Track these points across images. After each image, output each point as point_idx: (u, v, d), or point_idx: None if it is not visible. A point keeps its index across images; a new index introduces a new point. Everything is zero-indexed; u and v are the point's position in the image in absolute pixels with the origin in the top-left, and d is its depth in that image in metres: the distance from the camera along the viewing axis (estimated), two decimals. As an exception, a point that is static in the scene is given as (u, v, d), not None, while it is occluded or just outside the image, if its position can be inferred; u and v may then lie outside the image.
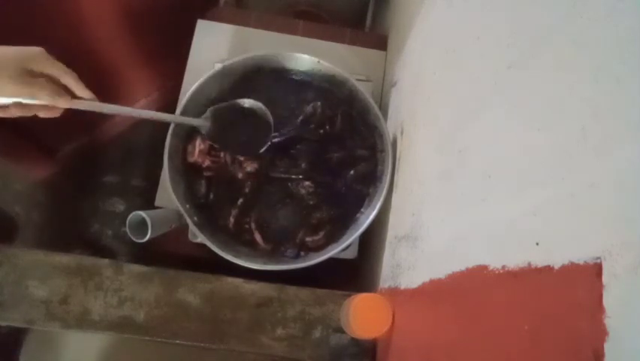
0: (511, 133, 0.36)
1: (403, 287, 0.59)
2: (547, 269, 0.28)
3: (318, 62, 0.79)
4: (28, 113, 0.54)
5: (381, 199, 0.71)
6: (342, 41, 0.96)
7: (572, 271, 0.26)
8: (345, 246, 0.72)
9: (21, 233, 1.17)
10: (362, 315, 0.61)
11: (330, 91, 0.81)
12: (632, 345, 0.21)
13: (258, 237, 0.74)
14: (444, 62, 0.56)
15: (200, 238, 0.69)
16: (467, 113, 0.46)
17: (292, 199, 0.76)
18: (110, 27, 1.02)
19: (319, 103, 0.80)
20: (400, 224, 0.65)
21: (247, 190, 0.76)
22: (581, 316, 0.24)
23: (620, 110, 0.24)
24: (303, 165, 0.77)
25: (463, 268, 0.41)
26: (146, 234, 0.62)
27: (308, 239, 0.75)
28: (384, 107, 0.88)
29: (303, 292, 0.70)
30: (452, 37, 0.54)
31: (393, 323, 0.60)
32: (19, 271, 0.67)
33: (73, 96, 0.55)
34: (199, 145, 0.76)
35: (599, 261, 0.24)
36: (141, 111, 0.66)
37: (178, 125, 0.74)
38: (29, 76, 0.50)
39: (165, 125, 0.74)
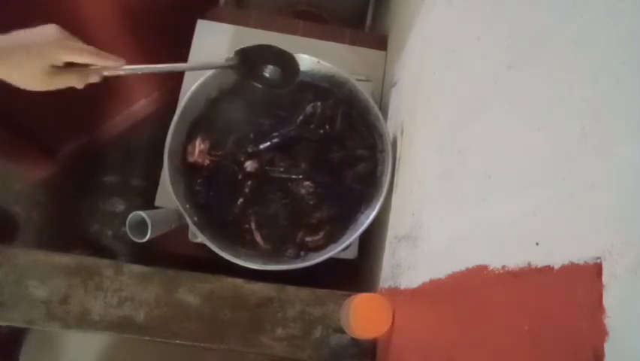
0: (511, 133, 0.36)
1: (403, 287, 0.59)
2: (547, 269, 0.28)
3: (318, 62, 0.79)
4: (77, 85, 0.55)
5: (381, 199, 0.71)
6: (342, 41, 0.96)
7: (572, 271, 0.26)
8: (345, 246, 0.72)
9: (21, 233, 1.17)
10: (362, 315, 0.61)
11: (330, 91, 0.81)
12: (632, 345, 0.21)
13: (258, 237, 0.74)
14: (444, 62, 0.56)
15: (200, 238, 0.69)
16: (467, 113, 0.46)
17: (292, 199, 0.77)
18: (110, 27, 1.02)
19: (319, 103, 0.80)
20: (400, 224, 0.65)
21: (247, 190, 0.76)
22: (581, 316, 0.24)
23: (620, 110, 0.24)
24: (303, 165, 0.77)
25: (463, 268, 0.41)
26: (146, 234, 0.62)
27: (308, 239, 0.75)
28: (384, 107, 0.88)
29: (303, 292, 0.70)
30: (452, 37, 0.54)
31: (393, 323, 0.60)
32: (19, 271, 0.67)
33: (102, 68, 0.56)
34: (199, 145, 0.76)
35: (599, 261, 0.24)
36: (173, 65, 0.65)
37: (178, 125, 0.74)
38: (55, 69, 0.51)
39: (165, 125, 0.74)
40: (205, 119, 0.78)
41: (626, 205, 0.23)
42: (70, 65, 0.53)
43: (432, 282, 0.49)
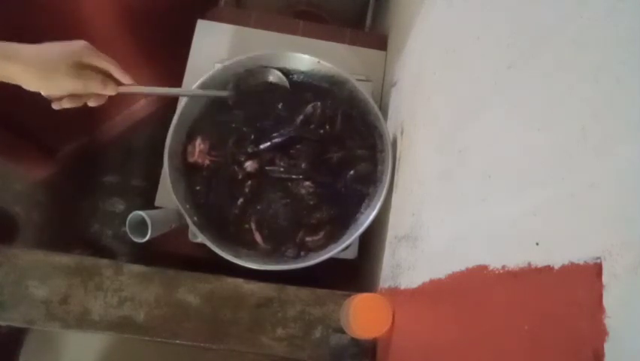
0: (511, 133, 0.36)
1: (403, 287, 0.59)
2: (547, 269, 0.28)
3: (318, 62, 0.79)
4: (79, 103, 0.57)
5: (381, 199, 0.71)
6: (342, 41, 0.96)
7: (572, 271, 0.26)
8: (345, 246, 0.72)
9: (21, 233, 1.17)
10: (362, 315, 0.61)
11: (330, 91, 0.81)
12: (632, 345, 0.21)
13: (258, 237, 0.74)
14: (444, 62, 0.56)
15: (200, 238, 0.69)
16: (467, 113, 0.46)
17: (292, 199, 0.76)
18: (110, 27, 1.02)
19: (319, 103, 0.80)
20: (400, 224, 0.65)
21: (247, 190, 0.76)
22: (581, 316, 0.24)
23: (620, 110, 0.24)
24: (303, 165, 0.77)
25: (463, 268, 0.41)
26: (146, 234, 0.62)
27: (308, 239, 0.75)
28: (384, 107, 0.88)
29: (303, 292, 0.70)
30: (452, 37, 0.54)
31: (393, 323, 0.60)
32: (19, 271, 0.67)
33: (118, 83, 0.59)
34: (199, 145, 0.76)
35: (599, 261, 0.24)
36: (179, 90, 0.70)
37: (178, 125, 0.74)
38: (80, 68, 0.53)
39: (165, 125, 0.74)
40: (205, 119, 0.78)
41: (626, 205, 0.23)
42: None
43: (432, 282, 0.49)
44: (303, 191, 0.76)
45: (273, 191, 0.77)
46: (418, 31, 0.73)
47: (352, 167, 0.77)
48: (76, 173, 1.29)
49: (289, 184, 0.77)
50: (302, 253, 0.74)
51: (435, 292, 0.48)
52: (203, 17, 0.94)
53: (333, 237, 0.74)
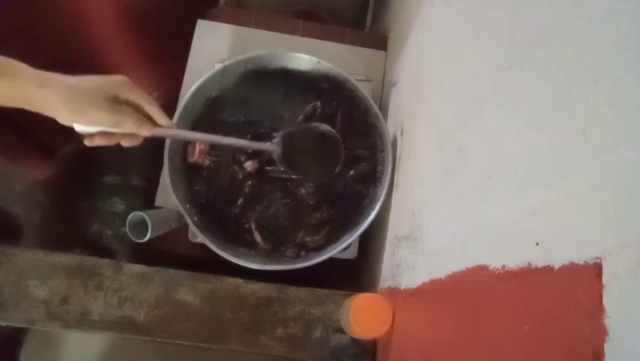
0: (511, 133, 0.36)
1: (403, 287, 0.59)
2: (547, 269, 0.28)
3: (318, 62, 0.79)
4: (112, 142, 0.55)
5: (381, 199, 0.71)
6: (342, 41, 0.96)
7: (572, 271, 0.26)
8: (345, 246, 0.72)
9: (21, 233, 1.17)
10: (362, 315, 0.61)
11: (330, 91, 0.81)
12: (632, 345, 0.21)
13: (258, 237, 0.74)
14: (444, 62, 0.56)
15: (200, 238, 0.69)
16: (467, 113, 0.46)
17: (292, 199, 0.77)
18: (110, 27, 1.02)
19: (319, 103, 0.80)
20: (400, 224, 0.65)
21: (247, 190, 0.76)
22: (581, 316, 0.24)
23: (620, 110, 0.24)
24: (303, 165, 0.77)
25: (463, 268, 0.41)
26: (146, 234, 0.62)
27: (308, 239, 0.75)
28: (384, 107, 0.88)
29: (303, 292, 0.70)
30: (452, 37, 0.54)
31: (393, 323, 0.60)
32: (19, 271, 0.67)
33: (155, 124, 0.55)
34: (199, 145, 0.76)
35: (599, 261, 0.24)
36: (220, 138, 0.64)
37: (178, 125, 0.74)
38: (116, 104, 0.51)
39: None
40: (205, 119, 0.78)
41: (626, 205, 0.23)
42: None
43: (432, 282, 0.49)
44: (303, 191, 0.76)
45: (273, 191, 0.77)
46: (418, 31, 0.73)
47: (352, 167, 0.77)
48: (77, 173, 1.29)
49: (289, 184, 0.77)
50: (302, 253, 0.74)
51: (435, 292, 0.48)
52: (203, 17, 0.94)
53: (333, 237, 0.74)
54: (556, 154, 0.29)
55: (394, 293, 0.62)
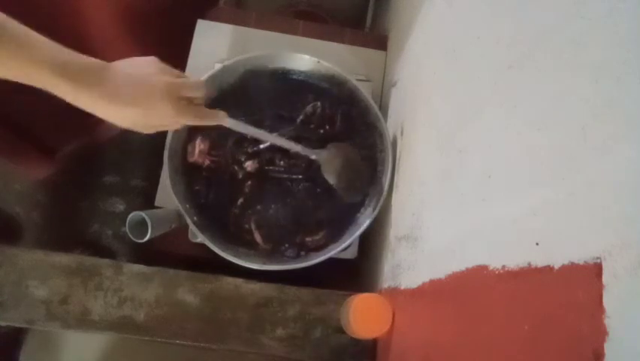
0: (511, 133, 0.36)
1: (403, 287, 0.59)
2: (547, 269, 0.28)
3: (318, 62, 0.79)
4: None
5: (381, 199, 0.71)
6: (342, 41, 0.96)
7: (572, 271, 0.26)
8: (345, 246, 0.72)
9: (22, 233, 1.17)
10: (362, 315, 0.61)
11: (330, 91, 0.81)
12: (632, 345, 0.21)
13: (258, 237, 0.74)
14: (444, 62, 0.56)
15: (200, 238, 0.69)
16: (467, 113, 0.46)
17: (292, 199, 0.76)
18: (110, 27, 1.02)
19: (319, 103, 0.80)
20: (400, 224, 0.65)
21: (247, 190, 0.76)
22: (581, 316, 0.24)
23: (620, 110, 0.24)
24: (303, 165, 0.77)
25: (463, 268, 0.41)
26: (146, 234, 0.62)
27: (308, 239, 0.75)
28: (384, 107, 0.88)
29: (303, 292, 0.70)
30: (452, 37, 0.54)
31: (393, 323, 0.60)
32: (19, 271, 0.67)
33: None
34: (199, 145, 0.76)
35: (599, 261, 0.24)
36: (276, 138, 0.66)
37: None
38: (181, 103, 0.50)
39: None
40: (205, 119, 0.78)
41: (626, 205, 0.23)
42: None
43: (432, 282, 0.49)
44: (303, 191, 0.76)
45: (273, 191, 0.77)
46: (417, 31, 0.73)
47: (352, 167, 0.77)
48: (76, 173, 1.29)
49: (289, 184, 0.77)
50: (302, 253, 0.74)
51: (435, 292, 0.48)
52: (203, 17, 0.94)
53: (333, 237, 0.74)
54: (557, 154, 0.29)
55: (394, 293, 0.62)
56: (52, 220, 1.25)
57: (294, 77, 0.82)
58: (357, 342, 0.67)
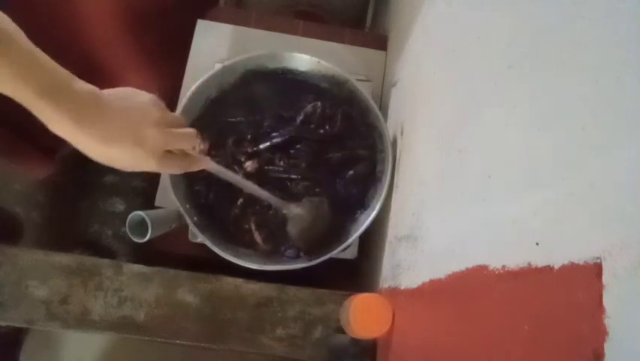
0: (511, 133, 0.36)
1: (403, 287, 0.59)
2: (547, 269, 0.28)
3: (318, 62, 0.79)
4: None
5: (381, 199, 0.71)
6: (342, 41, 0.96)
7: (572, 271, 0.26)
8: (345, 246, 0.72)
9: (22, 233, 1.17)
10: (362, 315, 0.61)
11: (330, 91, 0.81)
12: (632, 345, 0.21)
13: (257, 237, 0.74)
14: (444, 62, 0.56)
15: (200, 238, 0.69)
16: (467, 113, 0.46)
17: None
18: (110, 27, 1.02)
19: (319, 103, 0.80)
20: (400, 224, 0.65)
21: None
22: (581, 316, 0.24)
23: (620, 110, 0.24)
24: (303, 165, 0.77)
25: (463, 268, 0.41)
26: (146, 234, 0.62)
27: (308, 239, 0.75)
28: (384, 107, 0.88)
29: (303, 292, 0.70)
30: (452, 37, 0.54)
31: (393, 323, 0.60)
32: (19, 271, 0.67)
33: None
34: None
35: (599, 261, 0.24)
36: (254, 187, 0.67)
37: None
38: (168, 156, 0.49)
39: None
40: (205, 119, 0.78)
41: (626, 205, 0.23)
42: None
43: (432, 282, 0.49)
44: (302, 191, 0.76)
45: (273, 191, 0.77)
46: (417, 31, 0.73)
47: (352, 167, 0.77)
48: (76, 173, 1.29)
49: (289, 184, 0.77)
50: (302, 253, 0.74)
51: (435, 292, 0.48)
52: (203, 17, 0.94)
53: (333, 237, 0.74)
54: (557, 154, 0.29)
55: (394, 293, 0.62)
56: (52, 220, 1.25)
57: (294, 77, 0.81)
58: (357, 342, 0.67)
